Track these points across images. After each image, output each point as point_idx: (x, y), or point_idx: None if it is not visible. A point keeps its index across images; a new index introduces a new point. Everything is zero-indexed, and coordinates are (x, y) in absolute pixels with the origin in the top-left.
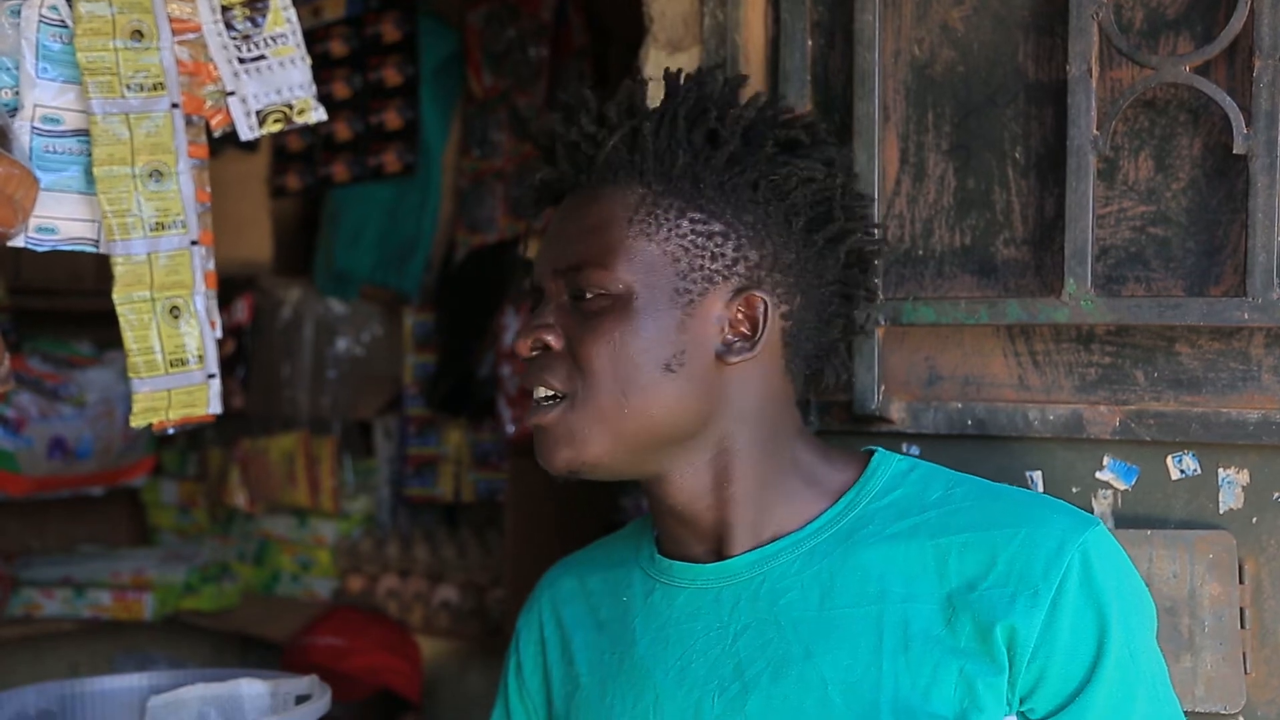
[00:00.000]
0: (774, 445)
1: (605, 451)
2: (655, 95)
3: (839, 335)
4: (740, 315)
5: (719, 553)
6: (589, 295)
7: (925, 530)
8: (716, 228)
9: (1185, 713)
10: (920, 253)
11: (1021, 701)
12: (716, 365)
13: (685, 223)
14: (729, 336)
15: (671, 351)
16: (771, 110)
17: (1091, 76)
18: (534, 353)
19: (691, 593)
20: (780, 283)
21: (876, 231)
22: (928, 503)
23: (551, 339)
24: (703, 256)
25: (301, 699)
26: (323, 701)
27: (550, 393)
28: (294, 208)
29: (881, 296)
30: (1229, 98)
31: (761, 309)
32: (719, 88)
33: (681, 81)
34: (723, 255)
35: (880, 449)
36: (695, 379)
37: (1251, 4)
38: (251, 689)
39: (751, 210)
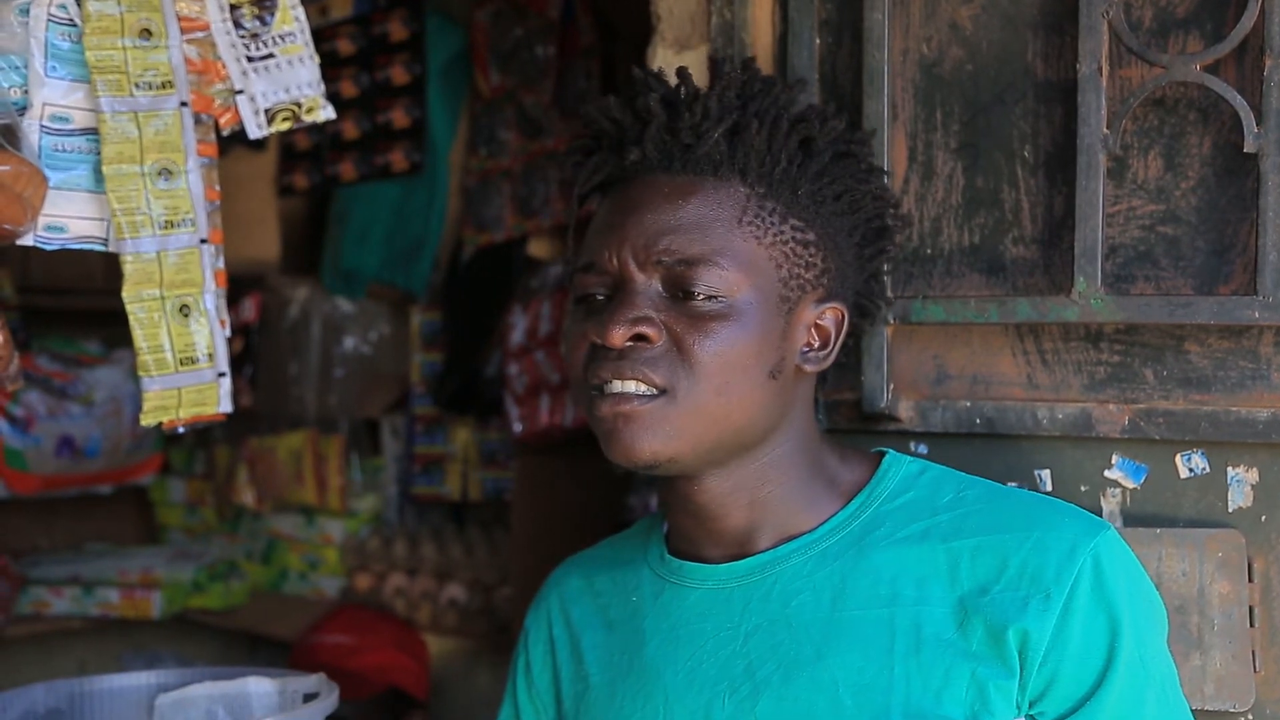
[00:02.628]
0: (809, 448)
1: (690, 449)
2: None
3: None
4: (821, 325)
5: (736, 554)
6: (699, 293)
7: (937, 534)
8: (811, 236)
9: (1195, 711)
10: (929, 251)
11: (1032, 704)
12: (796, 374)
13: (787, 229)
14: (811, 343)
15: (777, 358)
16: (845, 124)
17: (1101, 75)
18: (627, 344)
19: (703, 593)
20: (839, 293)
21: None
22: (939, 506)
23: (653, 332)
24: (799, 265)
25: (309, 697)
26: (330, 699)
27: (647, 388)
28: (301, 206)
29: (890, 295)
30: (1239, 96)
31: (839, 319)
32: (784, 92)
33: (753, 77)
34: (814, 265)
35: (891, 450)
36: (785, 386)
37: (1262, 3)
38: (259, 687)
39: (832, 222)
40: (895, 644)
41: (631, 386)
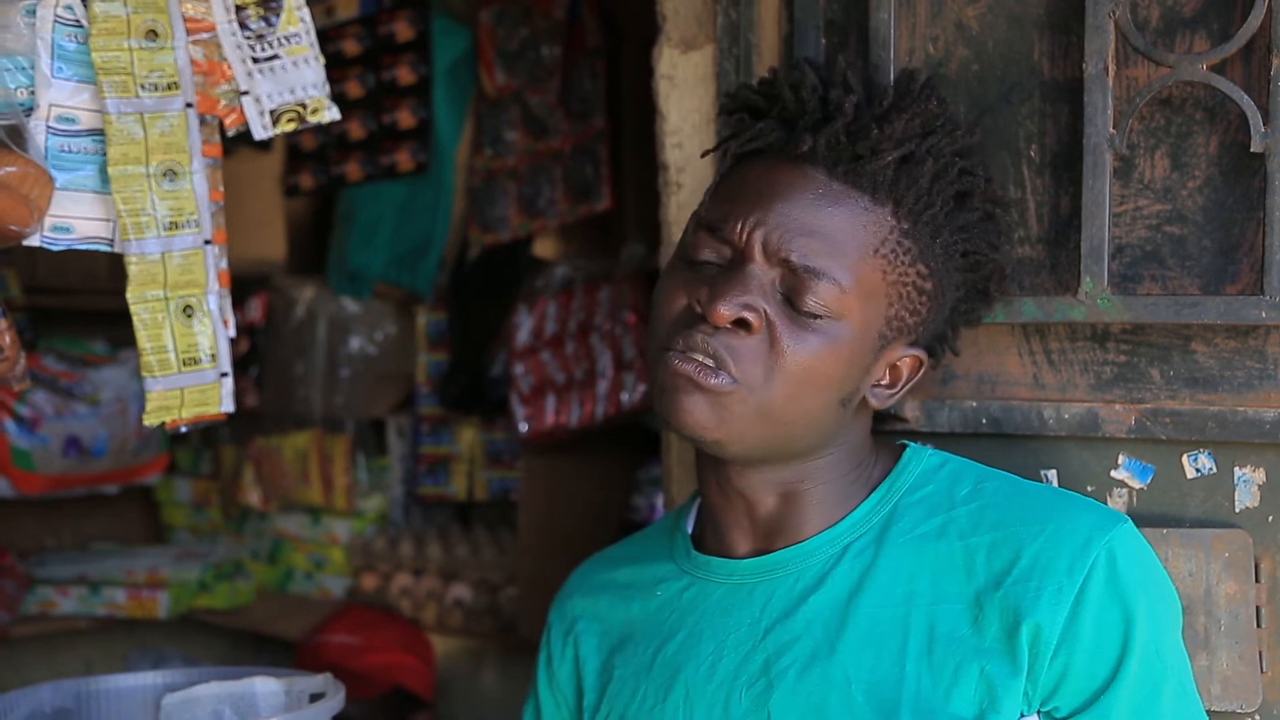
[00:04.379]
0: (853, 458)
1: (738, 439)
2: (667, 94)
3: None
4: (897, 367)
5: (761, 545)
6: (810, 304)
7: (954, 529)
8: (929, 286)
9: None
10: None
11: (1044, 701)
12: (861, 403)
13: (913, 272)
14: (881, 381)
15: (852, 388)
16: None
17: (1108, 75)
18: (727, 325)
19: (728, 588)
20: (925, 341)
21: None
22: (957, 499)
23: (755, 321)
24: (907, 310)
25: (315, 697)
26: (336, 699)
27: (724, 373)
28: (307, 207)
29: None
30: (1246, 96)
31: (915, 367)
32: (964, 136)
33: (943, 112)
34: (919, 314)
35: (912, 443)
36: (848, 414)
37: (1269, 2)
38: (265, 687)
39: (951, 276)
40: (909, 643)
41: (711, 364)
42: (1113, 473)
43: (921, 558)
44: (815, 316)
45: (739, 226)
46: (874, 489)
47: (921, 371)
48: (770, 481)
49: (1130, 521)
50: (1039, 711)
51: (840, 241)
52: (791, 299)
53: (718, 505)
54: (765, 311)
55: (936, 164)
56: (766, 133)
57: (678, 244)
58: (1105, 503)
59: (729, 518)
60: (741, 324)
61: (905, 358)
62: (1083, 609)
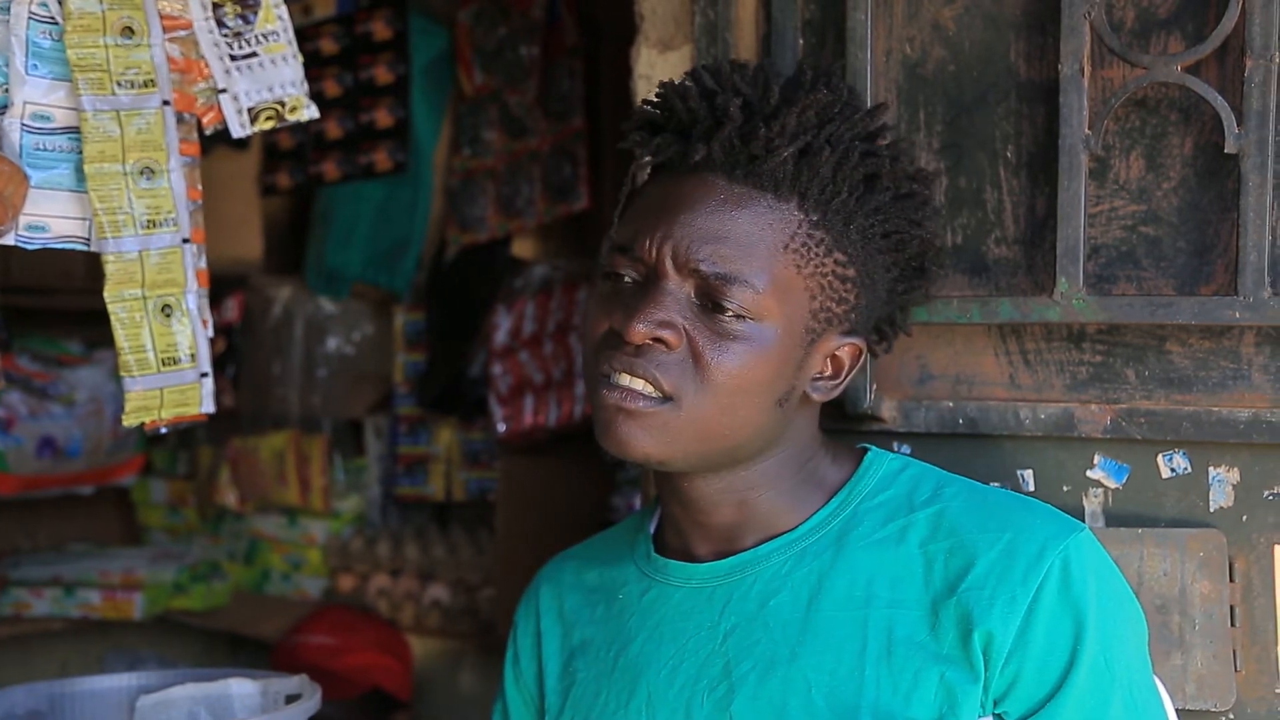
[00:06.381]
0: (804, 457)
1: (681, 455)
2: (646, 94)
3: None
4: (837, 356)
5: (722, 550)
6: (729, 310)
7: (913, 534)
8: (850, 273)
9: (1177, 711)
10: None
11: (996, 704)
12: (803, 399)
13: (830, 262)
14: (824, 372)
15: (787, 388)
16: (906, 155)
17: (1083, 76)
18: (645, 342)
19: (686, 592)
20: (862, 328)
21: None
22: (916, 504)
23: (673, 338)
24: (832, 300)
25: (292, 698)
26: (313, 700)
27: (654, 391)
28: (284, 206)
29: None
30: (1220, 97)
31: (855, 354)
32: (864, 119)
33: (838, 99)
34: (847, 301)
35: (874, 447)
36: (789, 412)
37: (1243, 4)
38: (241, 688)
39: (874, 259)
40: (867, 646)
41: (639, 385)
42: (1088, 473)
43: (880, 562)
44: (736, 320)
45: (648, 243)
46: (834, 493)
47: (864, 358)
48: (720, 489)
49: (1088, 530)
50: (994, 715)
51: (748, 244)
52: (710, 307)
53: (676, 513)
54: (683, 327)
55: (836, 152)
56: (664, 147)
57: (599, 266)
58: (1081, 502)
59: (686, 524)
60: (659, 340)
61: (844, 347)
62: (1035, 618)
